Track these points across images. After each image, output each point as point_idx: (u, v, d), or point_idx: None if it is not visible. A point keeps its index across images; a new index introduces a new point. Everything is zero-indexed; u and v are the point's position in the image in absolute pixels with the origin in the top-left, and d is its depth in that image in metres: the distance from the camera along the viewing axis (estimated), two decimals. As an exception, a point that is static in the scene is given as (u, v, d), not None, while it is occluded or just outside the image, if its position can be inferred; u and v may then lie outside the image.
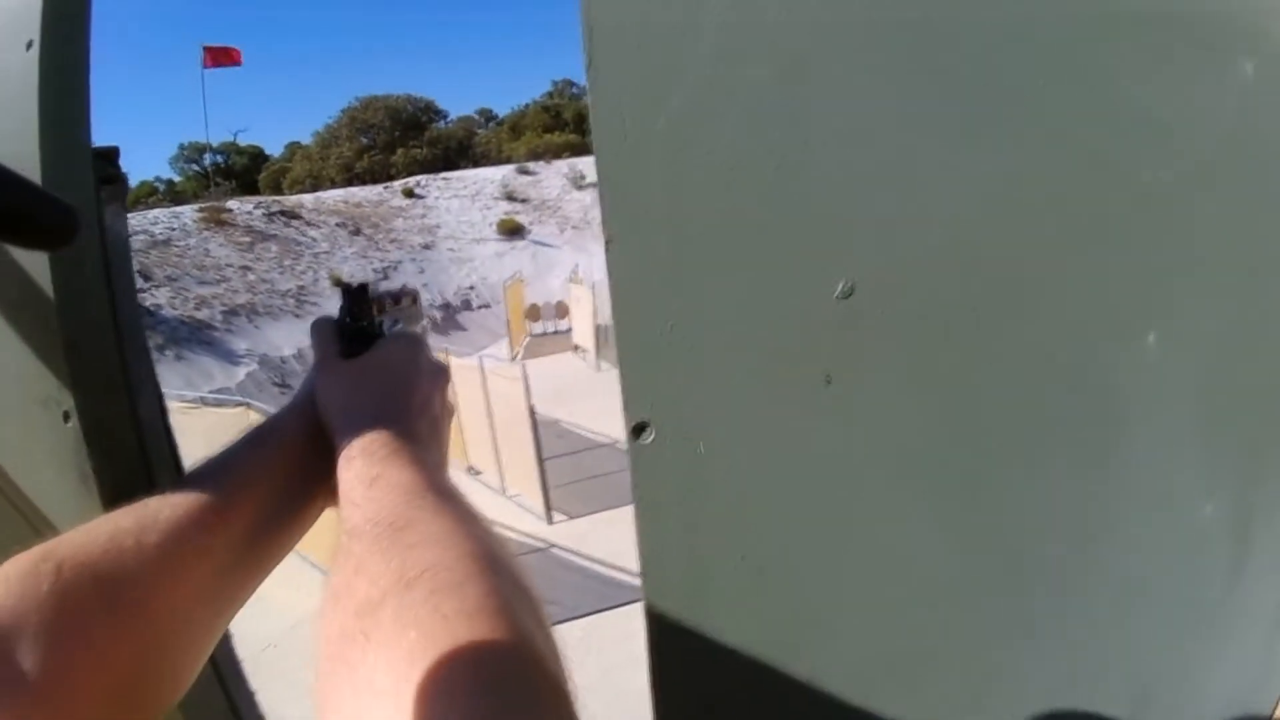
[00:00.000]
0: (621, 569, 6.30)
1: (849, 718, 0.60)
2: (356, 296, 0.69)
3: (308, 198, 25.25)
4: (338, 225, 22.56)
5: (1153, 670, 0.69)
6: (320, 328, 0.69)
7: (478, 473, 8.77)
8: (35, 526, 0.68)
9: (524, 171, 28.66)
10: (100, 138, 0.61)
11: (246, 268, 18.49)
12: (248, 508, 0.57)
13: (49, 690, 0.42)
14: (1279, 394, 0.65)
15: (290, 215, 21.94)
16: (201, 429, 6.97)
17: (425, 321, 0.83)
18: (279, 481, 0.59)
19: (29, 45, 0.58)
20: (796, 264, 0.53)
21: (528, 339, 17.17)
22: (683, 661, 0.57)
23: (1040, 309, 0.57)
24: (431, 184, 27.39)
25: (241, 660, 0.76)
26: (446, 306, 20.70)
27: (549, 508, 7.63)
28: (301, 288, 18.79)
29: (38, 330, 0.61)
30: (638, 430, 0.53)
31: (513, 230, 24.44)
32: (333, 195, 26.16)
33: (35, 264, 0.59)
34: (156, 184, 44.14)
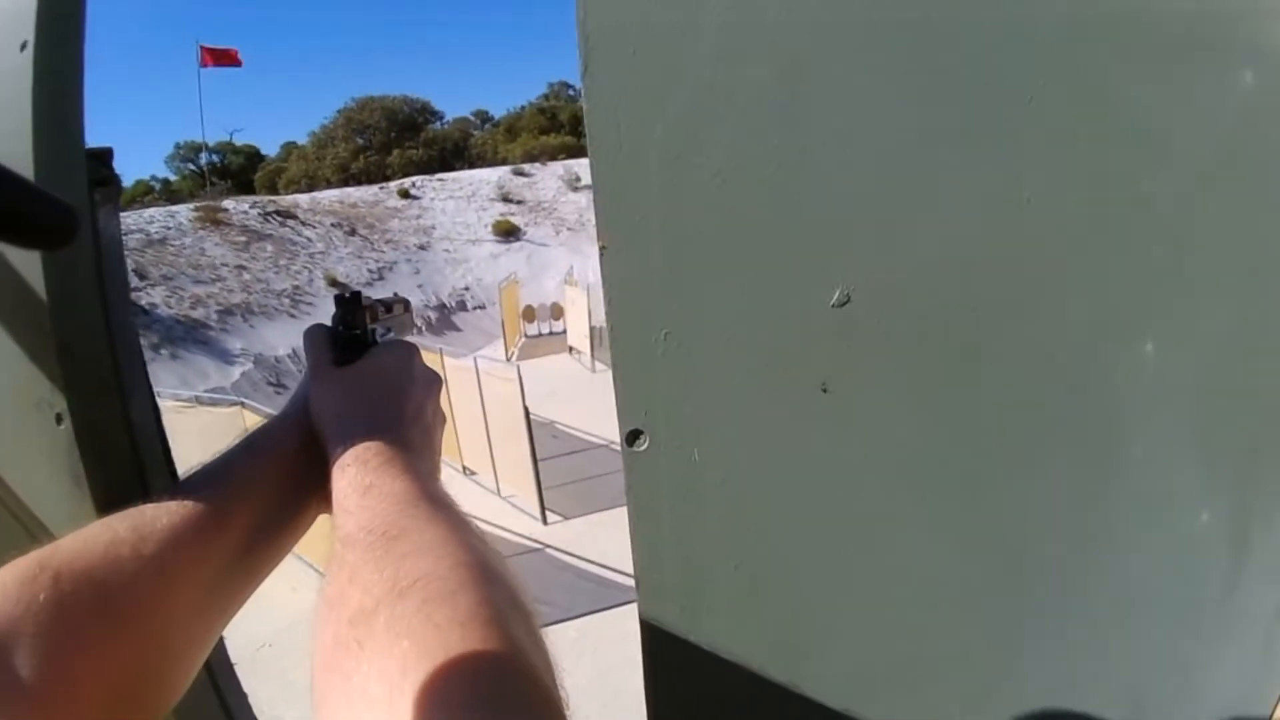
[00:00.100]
0: (617, 570, 6.31)
1: (843, 725, 0.60)
2: (349, 305, 0.70)
3: (303, 198, 25.20)
4: (333, 225, 22.52)
5: (1151, 673, 0.69)
6: (313, 336, 0.69)
7: (473, 473, 8.77)
8: (28, 528, 0.68)
9: (520, 173, 28.67)
10: (96, 137, 0.61)
11: (242, 267, 18.44)
12: (244, 516, 0.57)
13: (45, 697, 0.41)
14: (1278, 398, 0.65)
15: (286, 215, 21.90)
16: (196, 428, 6.95)
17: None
18: (274, 489, 0.60)
19: (23, 46, 0.58)
20: (793, 271, 0.53)
21: (523, 340, 17.18)
22: (677, 669, 0.57)
23: (1039, 314, 0.57)
24: (427, 185, 27.37)
25: (237, 660, 0.76)
26: (442, 307, 20.70)
27: (544, 508, 7.63)
28: (297, 287, 18.75)
29: (30, 332, 0.61)
30: (632, 437, 0.53)
31: (508, 231, 24.45)
32: (328, 195, 26.11)
33: (28, 265, 0.59)
34: (152, 183, 44.04)
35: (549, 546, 7.13)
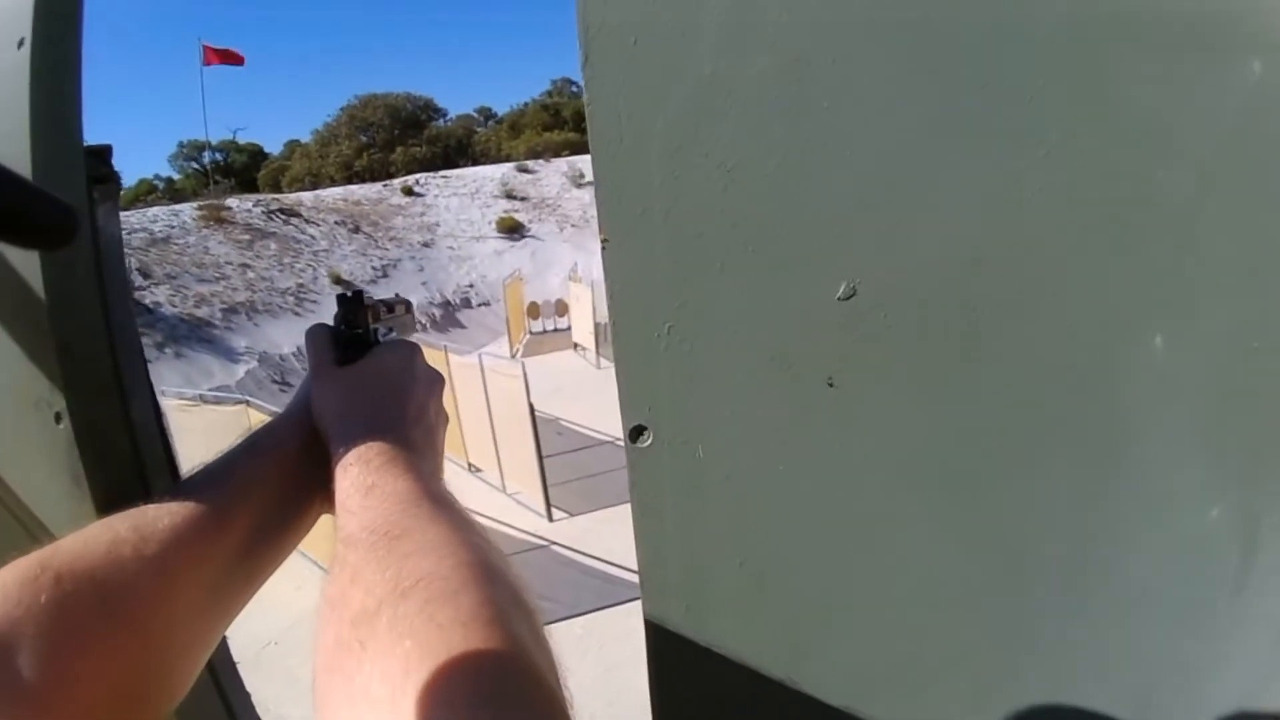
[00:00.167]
0: (622, 566, 6.32)
1: (849, 723, 0.59)
2: (352, 304, 0.70)
3: (307, 196, 25.23)
4: (337, 223, 22.55)
5: (1156, 674, 0.69)
6: (315, 335, 0.69)
7: (478, 470, 8.78)
8: (28, 528, 0.68)
9: (523, 169, 28.65)
10: (98, 136, 0.61)
11: (246, 265, 18.48)
12: (246, 516, 0.57)
13: (47, 698, 0.41)
14: (1283, 395, 0.64)
15: (289, 213, 21.93)
16: (201, 427, 6.98)
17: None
18: (276, 489, 0.60)
19: (20, 43, 0.57)
20: (798, 265, 0.52)
21: (527, 337, 17.19)
22: (682, 666, 0.56)
23: (1044, 310, 0.57)
24: (431, 182, 27.37)
25: (242, 658, 0.76)
26: (446, 304, 20.72)
27: (549, 505, 7.64)
28: (301, 285, 18.77)
29: (29, 331, 0.61)
30: (635, 433, 0.52)
31: (512, 228, 24.45)
32: (332, 193, 26.13)
33: (27, 264, 0.59)
34: (156, 182, 44.14)
35: (554, 543, 7.14)
